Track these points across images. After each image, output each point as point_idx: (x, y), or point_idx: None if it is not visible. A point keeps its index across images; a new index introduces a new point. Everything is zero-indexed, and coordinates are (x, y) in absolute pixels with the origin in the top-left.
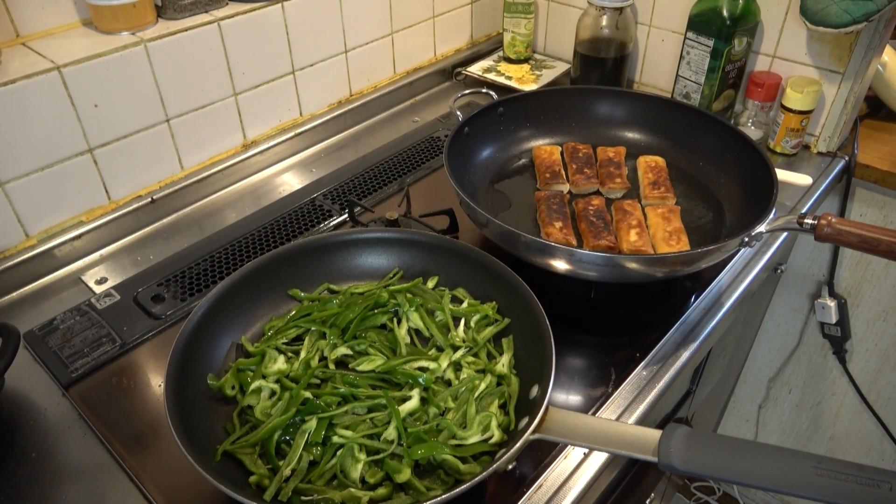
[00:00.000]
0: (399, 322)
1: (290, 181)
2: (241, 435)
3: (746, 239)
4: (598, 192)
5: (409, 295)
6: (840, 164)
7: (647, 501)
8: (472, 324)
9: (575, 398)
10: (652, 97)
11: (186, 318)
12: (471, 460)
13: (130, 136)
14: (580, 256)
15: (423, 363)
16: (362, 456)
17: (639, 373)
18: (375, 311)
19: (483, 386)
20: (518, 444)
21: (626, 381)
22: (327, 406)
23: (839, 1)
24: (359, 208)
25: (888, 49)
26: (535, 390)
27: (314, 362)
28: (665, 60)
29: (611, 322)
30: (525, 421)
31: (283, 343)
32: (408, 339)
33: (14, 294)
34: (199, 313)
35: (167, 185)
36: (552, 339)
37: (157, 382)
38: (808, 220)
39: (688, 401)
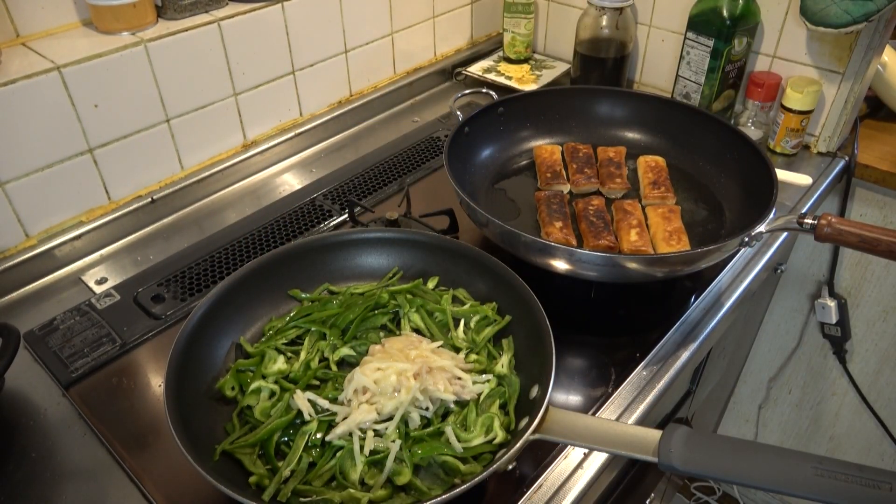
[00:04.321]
0: (399, 323)
1: (290, 181)
2: (240, 435)
3: (746, 239)
4: (598, 192)
5: (409, 296)
6: (840, 164)
7: (647, 501)
8: (472, 325)
9: (575, 398)
10: (652, 97)
11: (186, 318)
12: (471, 460)
13: (130, 136)
14: (580, 256)
15: None
16: (362, 457)
17: (639, 373)
18: (376, 311)
19: (485, 392)
20: (518, 445)
21: (626, 381)
22: None
23: (839, 1)
24: (359, 208)
25: (888, 49)
26: (535, 390)
27: (314, 363)
28: (665, 60)
29: (611, 322)
30: (525, 421)
31: (283, 343)
32: None
33: (14, 294)
34: (198, 313)
35: (167, 185)
36: (552, 339)
37: (157, 382)
38: (808, 220)
39: (688, 401)
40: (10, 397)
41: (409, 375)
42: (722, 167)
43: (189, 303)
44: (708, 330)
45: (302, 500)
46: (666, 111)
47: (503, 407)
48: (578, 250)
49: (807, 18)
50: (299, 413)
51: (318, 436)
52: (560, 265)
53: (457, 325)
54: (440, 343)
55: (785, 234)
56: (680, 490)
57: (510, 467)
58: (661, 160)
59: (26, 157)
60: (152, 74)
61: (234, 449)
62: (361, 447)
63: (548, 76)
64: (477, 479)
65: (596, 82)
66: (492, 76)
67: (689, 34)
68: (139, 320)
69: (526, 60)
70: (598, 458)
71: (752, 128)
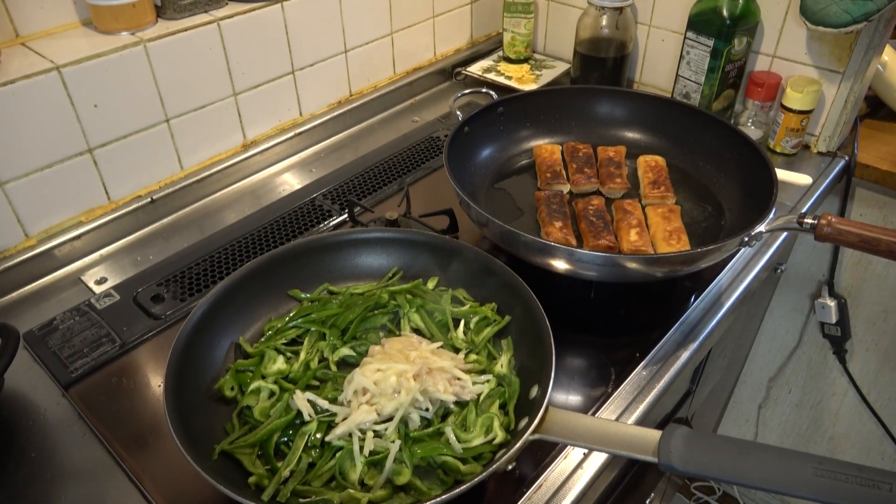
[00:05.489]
0: (399, 323)
1: (289, 181)
2: (239, 435)
3: (746, 239)
4: (598, 192)
5: (408, 296)
6: (840, 164)
7: (647, 501)
8: (472, 325)
9: (575, 398)
10: (652, 97)
11: (186, 318)
12: (471, 460)
13: (130, 136)
14: (580, 256)
15: None
16: (361, 458)
17: (639, 373)
18: (375, 311)
19: (485, 392)
20: (518, 445)
21: (625, 381)
22: None
23: (839, 1)
24: (358, 208)
25: (888, 49)
26: (535, 390)
27: (314, 363)
28: (665, 60)
29: (611, 322)
30: (525, 421)
31: (283, 344)
32: None
33: (14, 294)
34: (198, 313)
35: (167, 185)
36: (552, 340)
37: (156, 383)
38: (808, 220)
39: (688, 401)
40: (9, 397)
41: (409, 376)
42: (722, 167)
43: (189, 303)
44: (708, 330)
45: (301, 500)
46: (666, 111)
47: (503, 407)
48: (578, 250)
49: (807, 18)
50: (299, 413)
51: (318, 436)
52: (560, 265)
53: (456, 326)
54: (440, 344)
55: (785, 233)
56: (680, 490)
57: (510, 467)
58: (660, 160)
59: (26, 157)
60: (152, 74)
61: (234, 449)
62: (361, 448)
63: (548, 76)
64: (477, 479)
65: (596, 82)
66: (492, 76)
67: (689, 34)
68: (139, 320)
69: (526, 60)
70: (598, 458)
71: (752, 127)
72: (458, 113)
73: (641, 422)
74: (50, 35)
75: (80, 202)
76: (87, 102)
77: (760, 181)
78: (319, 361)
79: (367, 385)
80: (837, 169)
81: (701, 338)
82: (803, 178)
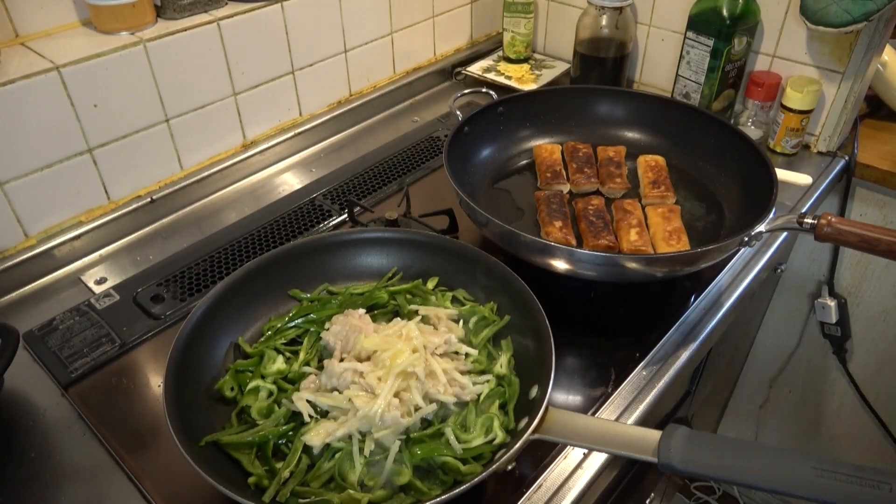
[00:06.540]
0: None
1: (289, 181)
2: (236, 432)
3: (746, 238)
4: (598, 192)
5: (408, 296)
6: (840, 164)
7: (647, 501)
8: (471, 325)
9: (575, 398)
10: (652, 97)
11: (186, 318)
12: (471, 460)
13: (130, 136)
14: (580, 256)
15: None
16: (361, 459)
17: (638, 373)
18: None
19: (485, 392)
20: (518, 445)
21: (625, 381)
22: None
23: (839, 0)
24: (358, 208)
25: (888, 48)
26: (534, 391)
27: (313, 363)
28: (665, 60)
29: (611, 322)
30: (525, 421)
31: (282, 344)
32: None
33: (13, 294)
34: (198, 313)
35: (167, 185)
36: (552, 340)
37: (156, 383)
38: (808, 220)
39: (688, 401)
40: (9, 398)
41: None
42: (722, 167)
43: (188, 303)
44: (708, 330)
45: (301, 501)
46: (666, 111)
47: (503, 407)
48: (578, 250)
49: (807, 18)
50: (298, 415)
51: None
52: (560, 265)
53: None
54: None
55: (785, 233)
56: (680, 490)
57: (510, 467)
58: (660, 160)
59: (26, 157)
60: (151, 74)
61: (230, 447)
62: (361, 449)
63: (547, 76)
64: (477, 479)
65: (596, 82)
66: (491, 76)
67: (689, 34)
68: (138, 320)
69: (526, 60)
70: (598, 459)
71: (752, 127)
72: (458, 113)
73: (641, 422)
74: (49, 35)
75: (79, 202)
76: (87, 102)
77: (760, 181)
78: (319, 361)
79: (375, 345)
80: (837, 169)
81: (701, 338)
82: (803, 178)
